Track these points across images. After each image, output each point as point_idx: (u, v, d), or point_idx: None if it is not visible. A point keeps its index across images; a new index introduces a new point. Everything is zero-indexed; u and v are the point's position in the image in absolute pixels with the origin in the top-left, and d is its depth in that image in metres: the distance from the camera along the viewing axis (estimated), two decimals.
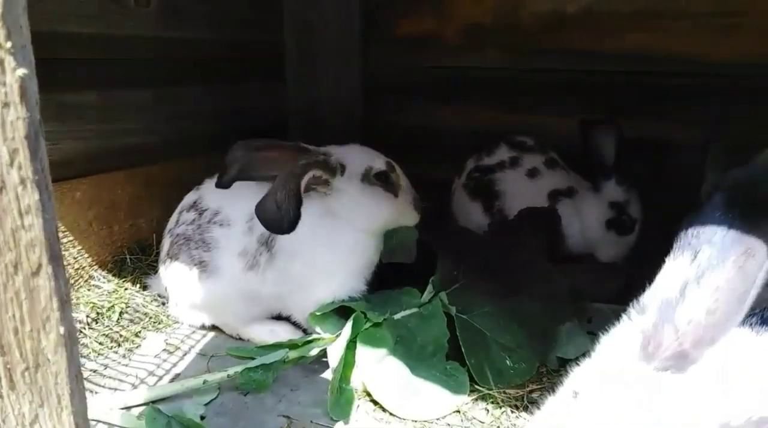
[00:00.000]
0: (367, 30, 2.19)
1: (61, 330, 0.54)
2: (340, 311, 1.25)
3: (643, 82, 1.82)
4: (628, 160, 1.61)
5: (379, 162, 1.32)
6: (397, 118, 2.25)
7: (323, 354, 1.20)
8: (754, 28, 1.67)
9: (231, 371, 1.10)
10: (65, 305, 0.55)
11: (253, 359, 1.14)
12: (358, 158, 1.32)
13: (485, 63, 2.02)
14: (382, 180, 1.30)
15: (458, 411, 1.11)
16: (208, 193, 1.39)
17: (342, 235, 1.29)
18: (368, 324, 1.17)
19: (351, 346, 1.15)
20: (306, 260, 1.26)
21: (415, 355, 1.18)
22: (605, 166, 1.61)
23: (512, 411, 1.11)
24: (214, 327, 1.39)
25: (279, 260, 1.27)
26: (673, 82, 1.78)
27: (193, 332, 1.39)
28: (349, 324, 1.16)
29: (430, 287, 1.26)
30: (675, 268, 0.66)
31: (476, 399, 1.14)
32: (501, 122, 2.02)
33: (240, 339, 1.36)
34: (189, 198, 1.44)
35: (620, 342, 0.69)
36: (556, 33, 1.90)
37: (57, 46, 1.51)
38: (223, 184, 1.24)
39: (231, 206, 1.33)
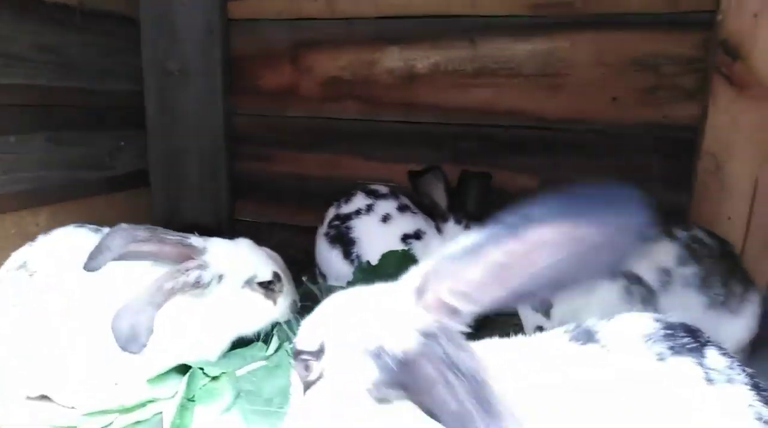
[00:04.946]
0: (229, 80, 2.21)
1: None
2: (182, 371, 1.20)
3: (483, 133, 1.99)
4: (460, 198, 1.73)
5: (264, 272, 1.28)
6: (262, 167, 2.26)
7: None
8: (574, 87, 1.90)
9: None
10: None
11: None
12: (242, 264, 1.26)
13: (344, 114, 2.11)
14: (264, 288, 1.26)
15: None
16: (40, 252, 1.30)
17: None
18: (206, 380, 1.14)
19: (188, 405, 1.11)
20: None
21: (260, 408, 1.15)
22: (440, 209, 1.72)
23: None
24: (43, 397, 1.28)
25: None
26: (509, 133, 1.97)
27: (16, 404, 1.26)
28: (184, 381, 1.12)
29: (274, 339, 1.25)
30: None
31: None
32: (360, 170, 2.11)
33: (73, 408, 1.26)
34: (17, 256, 1.32)
35: None
36: (407, 88, 2.03)
37: None
38: (91, 268, 1.13)
39: (65, 270, 1.24)
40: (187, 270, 1.14)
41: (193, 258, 1.18)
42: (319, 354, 0.74)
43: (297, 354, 0.77)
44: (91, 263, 1.13)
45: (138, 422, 1.12)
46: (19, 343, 1.22)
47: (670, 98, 1.83)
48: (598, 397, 0.68)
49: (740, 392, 0.68)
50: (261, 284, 1.26)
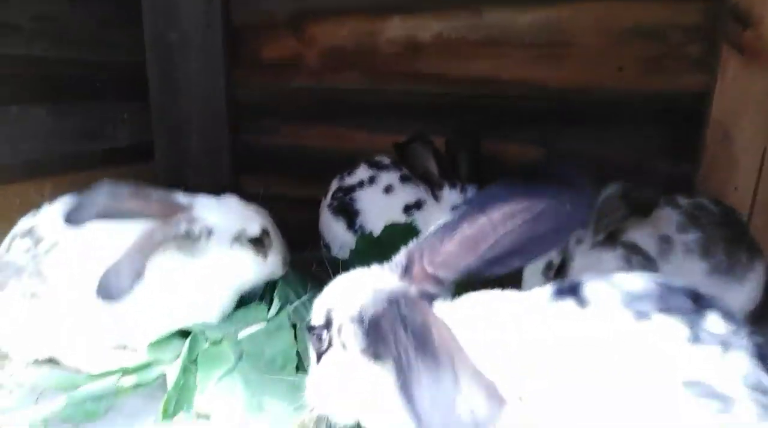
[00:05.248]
0: (231, 51, 2.19)
1: None
2: (184, 336, 1.21)
3: (486, 103, 1.96)
4: (451, 163, 1.71)
5: (253, 227, 1.27)
6: (265, 139, 2.26)
7: None
8: (578, 57, 1.87)
9: (55, 404, 1.04)
10: None
11: None
12: (231, 219, 1.26)
13: (347, 85, 2.09)
14: (254, 243, 1.27)
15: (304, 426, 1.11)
16: (45, 221, 1.31)
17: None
18: (208, 344, 1.15)
19: (191, 368, 1.12)
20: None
21: (263, 370, 1.17)
22: (434, 178, 1.71)
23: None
24: (50, 360, 1.30)
25: None
26: (512, 104, 1.94)
27: (26, 367, 1.28)
28: (186, 345, 1.13)
29: (276, 301, 1.26)
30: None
31: None
32: (363, 142, 2.10)
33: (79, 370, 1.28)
34: (24, 224, 1.34)
35: None
36: (411, 58, 2.01)
37: None
38: (74, 222, 1.13)
39: (71, 236, 1.25)
40: (177, 222, 1.15)
41: (177, 214, 1.19)
42: (327, 326, 0.85)
43: (310, 329, 0.89)
44: (73, 217, 1.12)
45: (141, 384, 1.14)
46: (26, 308, 1.23)
47: (677, 67, 1.80)
48: (560, 350, 0.71)
49: (736, 357, 0.67)
50: (251, 240, 1.25)
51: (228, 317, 1.26)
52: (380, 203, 1.78)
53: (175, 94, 2.22)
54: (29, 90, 1.77)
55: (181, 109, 2.23)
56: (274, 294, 1.28)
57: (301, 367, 1.19)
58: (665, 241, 1.29)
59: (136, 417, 1.10)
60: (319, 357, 0.88)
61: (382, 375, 0.77)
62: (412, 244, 0.84)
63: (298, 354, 1.19)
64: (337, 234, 1.88)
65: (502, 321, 0.76)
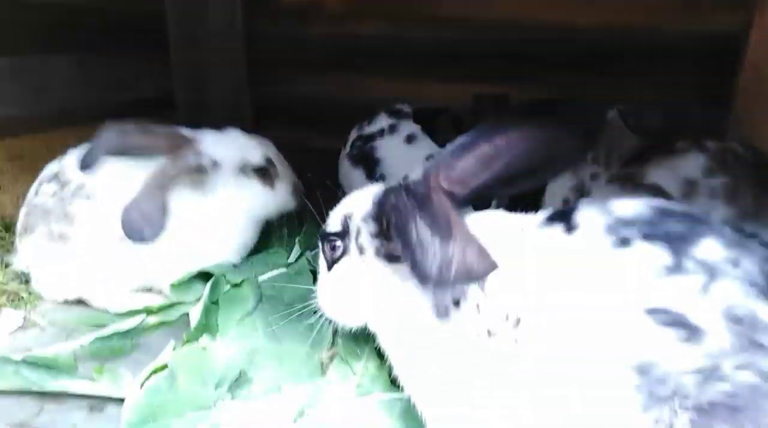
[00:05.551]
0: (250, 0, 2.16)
1: None
2: (206, 279, 1.25)
3: (511, 49, 1.90)
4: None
5: (256, 156, 1.30)
6: (284, 88, 2.24)
7: None
8: None
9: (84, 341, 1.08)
10: None
11: None
12: (235, 150, 1.29)
13: (366, 31, 2.05)
14: (259, 174, 1.29)
15: (321, 364, 1.14)
16: (70, 165, 1.34)
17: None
18: (228, 286, 1.18)
19: (213, 309, 1.15)
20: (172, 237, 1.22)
21: (282, 313, 1.19)
22: None
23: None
24: (80, 302, 1.35)
25: None
26: (538, 48, 1.88)
27: (56, 307, 1.34)
28: (207, 287, 1.16)
29: (296, 247, 1.28)
30: None
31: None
32: (384, 91, 2.06)
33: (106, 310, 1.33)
34: (50, 169, 1.37)
35: None
36: (433, 2, 1.95)
37: None
38: (87, 166, 1.18)
39: (95, 178, 1.28)
40: (185, 156, 1.18)
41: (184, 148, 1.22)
42: (343, 234, 0.90)
43: (325, 236, 0.92)
44: (85, 161, 1.18)
45: (164, 322, 1.18)
46: (54, 250, 1.28)
47: (714, 6, 1.71)
48: (540, 273, 0.75)
49: (723, 287, 0.66)
50: (256, 170, 1.27)
51: (249, 261, 1.29)
52: (401, 153, 1.75)
53: (195, 45, 2.21)
54: (53, 39, 1.78)
55: (201, 60, 2.22)
56: (296, 240, 1.29)
57: (319, 311, 1.21)
58: (689, 184, 1.25)
59: (159, 354, 1.15)
60: (331, 265, 0.92)
61: (395, 275, 0.83)
62: (429, 162, 0.87)
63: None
64: (356, 183, 1.86)
65: (494, 240, 0.79)
